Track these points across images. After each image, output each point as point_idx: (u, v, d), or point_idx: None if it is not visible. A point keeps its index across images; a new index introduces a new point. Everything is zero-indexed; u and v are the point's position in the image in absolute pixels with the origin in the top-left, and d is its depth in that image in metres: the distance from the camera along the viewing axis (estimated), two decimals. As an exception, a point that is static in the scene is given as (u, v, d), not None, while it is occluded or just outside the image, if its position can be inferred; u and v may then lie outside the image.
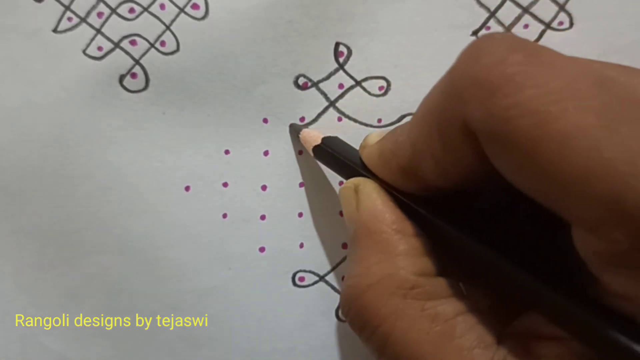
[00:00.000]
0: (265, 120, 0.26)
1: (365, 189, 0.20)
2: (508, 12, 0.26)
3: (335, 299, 0.27)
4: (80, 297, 0.26)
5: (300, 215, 0.27)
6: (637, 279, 0.13)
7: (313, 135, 0.24)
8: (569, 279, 0.15)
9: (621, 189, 0.12)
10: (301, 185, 0.27)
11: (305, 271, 0.27)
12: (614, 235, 0.13)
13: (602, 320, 0.14)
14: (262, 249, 0.27)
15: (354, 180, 0.21)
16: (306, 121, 0.26)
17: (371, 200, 0.19)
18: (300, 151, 0.26)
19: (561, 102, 0.13)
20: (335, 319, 0.27)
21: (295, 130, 0.26)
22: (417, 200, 0.19)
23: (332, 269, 0.27)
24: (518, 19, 0.26)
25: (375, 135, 0.21)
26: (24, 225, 0.26)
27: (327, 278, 0.27)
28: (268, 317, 0.27)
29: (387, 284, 0.18)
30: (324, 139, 0.24)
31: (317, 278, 0.27)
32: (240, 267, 0.27)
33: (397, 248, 0.18)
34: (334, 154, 0.23)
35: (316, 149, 0.24)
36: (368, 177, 0.20)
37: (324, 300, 0.27)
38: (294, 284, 0.27)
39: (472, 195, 0.19)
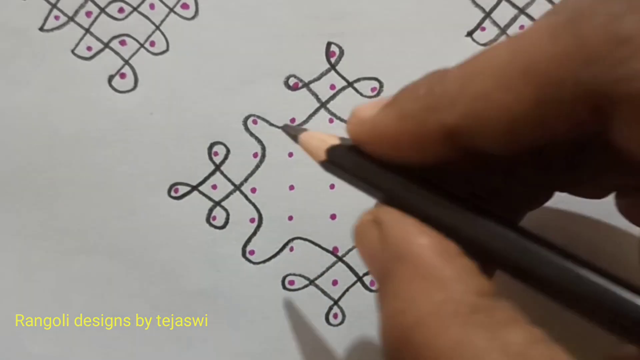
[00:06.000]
0: (254, 122, 0.26)
1: (387, 216, 0.16)
2: (504, 13, 0.26)
3: (325, 302, 0.27)
4: (66, 299, 0.26)
5: (290, 218, 0.26)
6: None
7: (319, 144, 0.19)
8: None
9: None
10: (291, 188, 0.26)
11: (295, 275, 0.26)
12: None
13: None
14: (251, 252, 0.26)
15: (371, 211, 0.17)
16: (297, 122, 0.26)
17: (399, 226, 0.16)
18: (290, 153, 0.26)
19: None
20: (325, 323, 0.27)
21: (291, 134, 0.21)
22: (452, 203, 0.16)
23: (322, 274, 0.27)
24: (514, 19, 0.26)
25: (370, 105, 0.17)
26: (10, 226, 0.26)
27: (317, 282, 0.27)
28: (257, 320, 0.26)
29: (442, 313, 0.14)
30: (331, 151, 0.18)
31: (307, 282, 0.27)
32: (229, 270, 0.26)
33: (444, 272, 0.15)
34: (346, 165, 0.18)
35: (325, 163, 0.19)
36: (390, 207, 0.17)
37: (314, 304, 0.27)
38: (284, 287, 0.26)
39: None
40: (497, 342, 0.13)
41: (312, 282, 0.27)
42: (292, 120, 0.26)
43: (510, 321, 0.14)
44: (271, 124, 0.26)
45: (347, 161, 0.18)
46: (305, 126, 0.26)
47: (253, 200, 0.26)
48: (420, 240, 0.15)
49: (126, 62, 0.26)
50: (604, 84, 0.13)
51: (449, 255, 0.15)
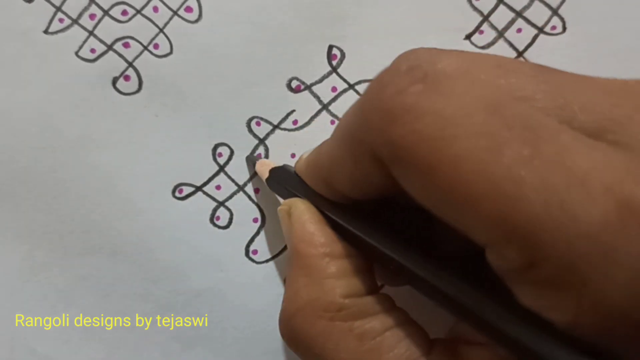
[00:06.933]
0: (258, 123, 0.26)
1: (296, 211, 0.20)
2: (501, 16, 0.26)
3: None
4: (71, 299, 0.26)
5: (292, 218, 0.27)
6: (535, 292, 0.14)
7: (265, 167, 0.24)
8: (492, 287, 0.16)
9: (506, 209, 0.13)
10: (294, 188, 0.27)
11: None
12: (505, 253, 0.14)
13: (518, 328, 0.15)
14: (254, 252, 0.27)
15: (288, 201, 0.21)
16: (299, 124, 0.26)
17: (301, 223, 0.20)
18: (292, 154, 0.26)
19: (452, 128, 0.14)
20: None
21: (251, 161, 0.26)
22: (349, 216, 0.19)
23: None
24: (511, 22, 0.26)
25: (310, 150, 0.21)
26: (14, 227, 0.26)
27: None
28: (259, 320, 0.27)
29: (314, 308, 0.18)
30: (272, 171, 0.24)
31: (309, 281, 0.27)
32: (231, 270, 0.26)
33: (325, 271, 0.19)
34: (280, 183, 0.23)
35: (268, 180, 0.24)
36: (300, 197, 0.21)
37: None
38: (287, 287, 0.27)
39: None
40: (355, 332, 0.18)
41: (314, 281, 0.27)
42: (295, 122, 0.26)
43: (370, 314, 0.18)
44: (274, 126, 0.26)
45: (280, 178, 0.23)
46: (307, 128, 0.26)
47: (256, 201, 0.26)
48: (312, 240, 0.19)
49: (130, 64, 0.26)
50: (375, 147, 0.15)
51: (333, 257, 0.19)
